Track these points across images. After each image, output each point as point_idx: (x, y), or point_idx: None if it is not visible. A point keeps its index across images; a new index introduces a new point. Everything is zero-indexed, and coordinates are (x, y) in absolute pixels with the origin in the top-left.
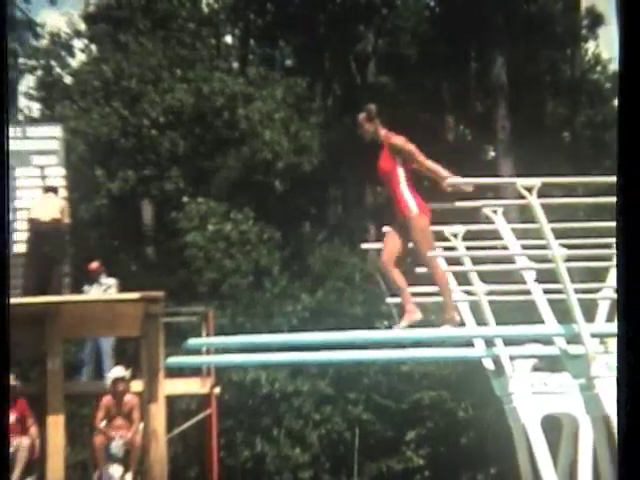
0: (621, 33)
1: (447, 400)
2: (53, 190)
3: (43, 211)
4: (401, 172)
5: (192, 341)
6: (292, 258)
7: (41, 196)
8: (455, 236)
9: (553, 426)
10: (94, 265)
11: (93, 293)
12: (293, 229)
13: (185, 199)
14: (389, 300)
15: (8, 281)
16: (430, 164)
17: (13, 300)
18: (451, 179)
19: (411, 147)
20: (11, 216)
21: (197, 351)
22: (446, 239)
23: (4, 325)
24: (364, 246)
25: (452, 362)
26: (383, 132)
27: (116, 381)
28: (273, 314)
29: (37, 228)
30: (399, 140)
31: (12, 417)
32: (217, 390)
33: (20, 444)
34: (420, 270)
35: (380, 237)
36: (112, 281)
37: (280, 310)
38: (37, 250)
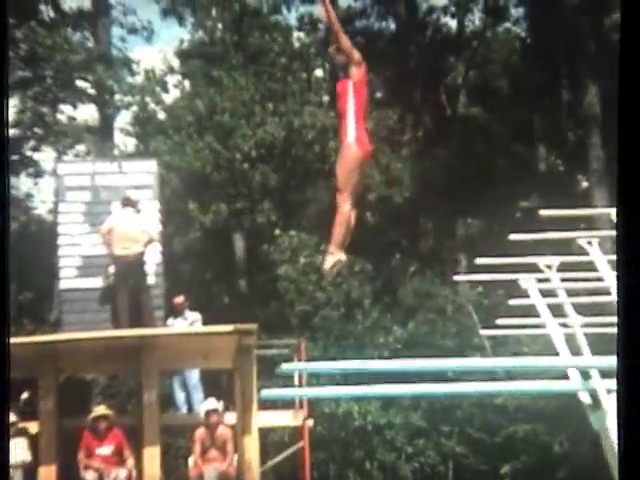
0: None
1: (542, 434)
2: (132, 204)
3: (124, 240)
4: (351, 98)
5: (285, 366)
6: (383, 290)
7: (121, 217)
8: (549, 267)
9: None
10: (179, 299)
11: (178, 326)
12: (384, 261)
13: (277, 232)
14: (482, 332)
15: (8, 293)
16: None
17: (110, 333)
18: (546, 211)
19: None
20: (101, 250)
21: (290, 384)
22: (540, 270)
23: (5, 329)
24: (456, 278)
25: (547, 395)
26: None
27: (209, 413)
28: (365, 346)
29: (119, 260)
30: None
31: (109, 448)
32: (310, 422)
33: (118, 475)
34: (513, 302)
35: (472, 269)
36: (197, 315)
37: (372, 342)
38: (123, 282)
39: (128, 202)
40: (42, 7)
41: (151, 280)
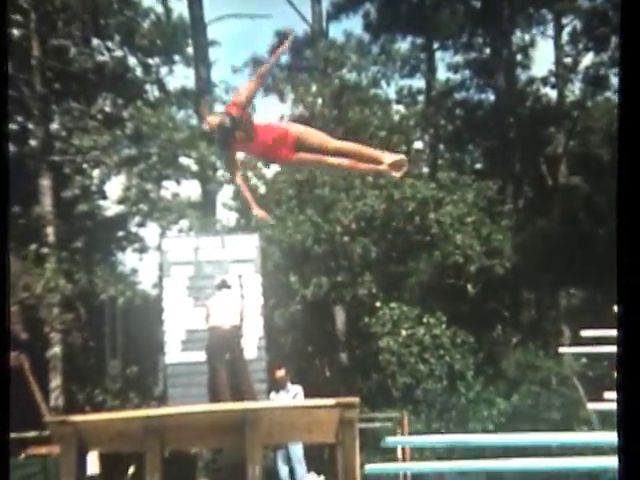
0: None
1: None
2: (227, 286)
3: (220, 316)
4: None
5: (389, 440)
6: (486, 362)
7: (217, 298)
8: None
9: None
10: (281, 373)
11: (281, 400)
12: (486, 333)
13: (378, 304)
14: (589, 406)
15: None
16: None
17: (215, 407)
18: None
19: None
20: (201, 324)
21: (393, 457)
22: None
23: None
24: (561, 350)
25: None
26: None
27: None
28: (468, 419)
29: (216, 335)
30: None
31: None
32: None
33: None
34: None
35: (576, 340)
36: (298, 388)
37: (475, 415)
38: (219, 355)
39: (223, 285)
40: (148, 87)
41: (253, 353)
